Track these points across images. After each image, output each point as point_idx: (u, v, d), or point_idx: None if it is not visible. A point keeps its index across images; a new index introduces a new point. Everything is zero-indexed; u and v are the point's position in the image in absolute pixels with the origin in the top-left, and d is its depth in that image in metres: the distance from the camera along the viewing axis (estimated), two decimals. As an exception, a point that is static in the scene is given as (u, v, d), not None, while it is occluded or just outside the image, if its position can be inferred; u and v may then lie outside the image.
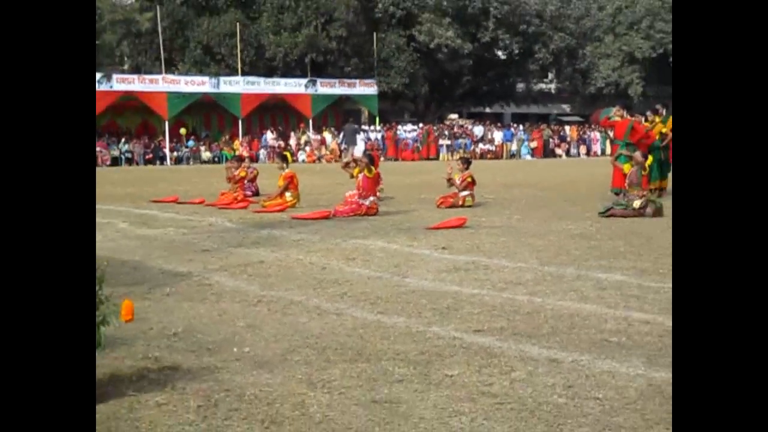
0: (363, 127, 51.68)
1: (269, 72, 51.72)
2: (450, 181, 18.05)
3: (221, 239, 12.88)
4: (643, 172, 16.55)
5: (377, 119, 52.36)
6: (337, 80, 52.15)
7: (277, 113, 51.74)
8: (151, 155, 47.20)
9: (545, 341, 6.43)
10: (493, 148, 51.76)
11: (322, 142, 49.70)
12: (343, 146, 46.11)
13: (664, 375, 5.51)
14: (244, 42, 50.84)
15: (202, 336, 6.70)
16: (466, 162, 18.94)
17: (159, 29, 49.96)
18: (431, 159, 48.02)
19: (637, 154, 17.08)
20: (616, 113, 20.14)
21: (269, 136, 49.44)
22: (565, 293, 8.32)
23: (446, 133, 51.91)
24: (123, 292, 7.05)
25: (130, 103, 46.76)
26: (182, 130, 47.54)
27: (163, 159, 47.14)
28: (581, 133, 56.16)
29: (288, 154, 21.30)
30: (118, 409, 4.96)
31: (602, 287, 8.59)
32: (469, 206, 17.18)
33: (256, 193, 20.29)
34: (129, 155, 46.72)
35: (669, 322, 6.99)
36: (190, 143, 48.01)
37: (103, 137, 46.57)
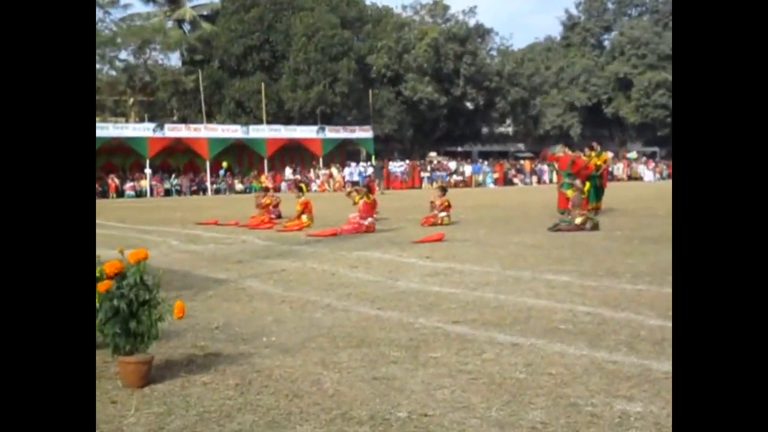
0: (363, 163, 51.69)
1: (288, 121, 51.91)
2: (432, 205, 18.07)
3: (252, 253, 12.84)
4: (582, 196, 16.59)
5: (373, 157, 52.44)
6: (341, 127, 52.27)
7: (295, 153, 51.76)
8: (195, 187, 47.25)
9: (508, 329, 6.42)
10: (464, 179, 51.75)
11: (329, 176, 49.77)
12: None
13: (603, 354, 5.50)
14: (268, 98, 51.05)
15: (238, 329, 6.67)
16: (443, 190, 18.98)
17: (201, 88, 50.16)
18: (416, 188, 48.01)
19: (577, 182, 17.15)
20: (560, 150, 20.17)
21: (288, 172, 49.49)
22: (523, 291, 8.30)
23: (427, 167, 51.97)
24: (175, 295, 7.02)
25: (179, 146, 46.87)
26: (224, 164, 47.71)
27: (205, 190, 47.17)
28: (533, 166, 56.22)
29: (303, 185, 21.28)
30: (173, 387, 4.93)
31: (552, 286, 8.58)
32: (447, 224, 17.14)
33: (279, 216, 20.22)
34: (178, 187, 46.74)
35: (606, 313, 6.98)
36: (221, 172, 47.98)
37: (157, 173, 46.61)
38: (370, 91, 53.64)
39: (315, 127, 51.07)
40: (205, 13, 59.34)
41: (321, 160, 51.16)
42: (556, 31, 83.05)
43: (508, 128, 68.85)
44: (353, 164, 50.39)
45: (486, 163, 55.49)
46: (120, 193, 43.78)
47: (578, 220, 15.29)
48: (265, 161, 48.88)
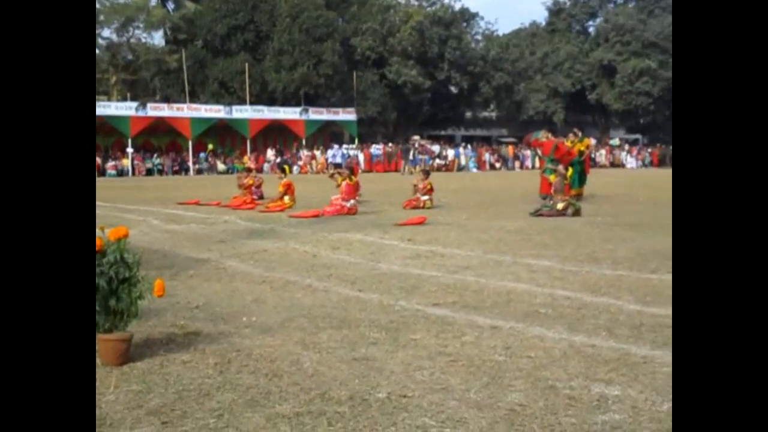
0: (349, 147, 51.51)
1: (271, 102, 51.64)
2: (414, 188, 18.09)
3: (233, 233, 12.82)
4: (565, 181, 16.63)
5: (356, 140, 52.36)
6: (324, 109, 52.15)
7: (278, 134, 51.63)
8: (177, 167, 47.01)
9: (488, 312, 6.44)
10: (447, 163, 51.71)
11: (312, 157, 49.66)
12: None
13: (582, 338, 5.53)
14: (252, 78, 50.76)
15: (218, 308, 6.66)
16: (426, 173, 19.01)
17: (184, 67, 49.92)
18: (398, 171, 47.90)
19: (560, 168, 17.16)
20: (543, 135, 20.20)
21: (270, 153, 49.35)
22: (503, 275, 8.33)
23: (411, 151, 51.88)
24: (155, 274, 7.00)
25: (161, 126, 46.62)
26: (210, 146, 47.59)
27: (187, 170, 46.94)
28: (516, 151, 56.27)
29: (286, 167, 21.23)
30: (152, 365, 4.93)
31: (533, 270, 8.61)
32: (429, 208, 17.17)
33: (261, 197, 20.18)
34: (160, 167, 46.48)
35: (586, 297, 7.02)
36: (202, 155, 47.81)
37: (139, 152, 46.36)
38: (354, 74, 53.45)
39: (298, 109, 50.91)
40: (189, -9, 58.89)
41: (304, 141, 51.04)
42: (541, 17, 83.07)
43: (491, 113, 68.74)
44: (336, 146, 50.26)
45: (469, 147, 55.45)
46: (101, 172, 43.49)
47: (560, 206, 15.33)
48: (248, 142, 48.75)
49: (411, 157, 48.15)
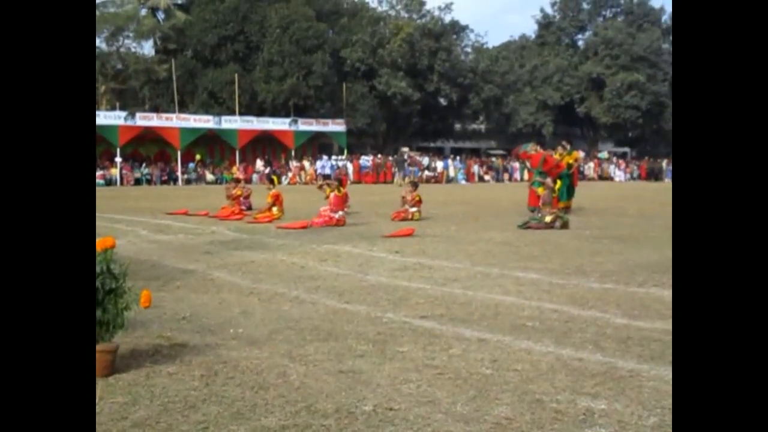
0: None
1: (260, 113, 51.65)
2: (403, 200, 18.08)
3: (221, 244, 12.78)
4: (553, 194, 16.66)
5: (345, 151, 52.38)
6: (314, 120, 52.14)
7: (267, 145, 51.58)
8: (166, 177, 46.89)
9: (476, 325, 6.44)
10: (436, 175, 51.77)
11: (301, 168, 49.64)
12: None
13: (569, 352, 5.54)
14: (241, 89, 50.75)
15: (205, 320, 6.64)
16: (415, 185, 19.00)
17: (173, 77, 49.84)
18: (387, 182, 47.92)
19: (548, 180, 17.22)
20: (532, 148, 20.26)
21: (259, 163, 49.32)
22: (491, 288, 8.33)
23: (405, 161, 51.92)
24: (142, 284, 6.97)
25: (150, 135, 46.54)
26: (199, 156, 47.56)
27: (175, 180, 46.83)
28: (505, 163, 56.41)
29: (275, 177, 21.21)
30: (138, 377, 4.91)
31: (521, 283, 8.62)
32: (417, 219, 17.16)
33: (250, 208, 20.14)
34: (148, 177, 46.37)
35: (573, 311, 7.03)
36: (191, 165, 47.77)
37: (127, 162, 46.26)
38: (344, 85, 53.52)
39: (288, 120, 50.92)
40: (179, 1, 58.76)
41: (293, 152, 51.04)
42: (531, 30, 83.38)
43: (480, 125, 68.96)
44: (325, 157, 50.26)
45: (458, 159, 55.56)
46: (89, 182, 43.33)
47: (548, 219, 15.36)
48: (237, 152, 48.72)
49: (405, 167, 48.23)
